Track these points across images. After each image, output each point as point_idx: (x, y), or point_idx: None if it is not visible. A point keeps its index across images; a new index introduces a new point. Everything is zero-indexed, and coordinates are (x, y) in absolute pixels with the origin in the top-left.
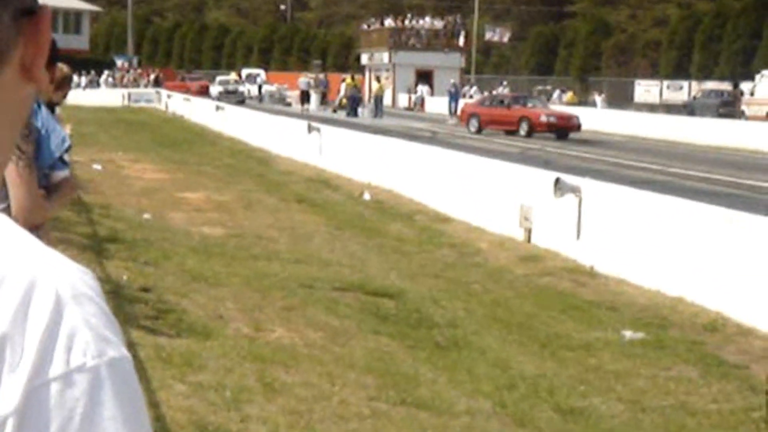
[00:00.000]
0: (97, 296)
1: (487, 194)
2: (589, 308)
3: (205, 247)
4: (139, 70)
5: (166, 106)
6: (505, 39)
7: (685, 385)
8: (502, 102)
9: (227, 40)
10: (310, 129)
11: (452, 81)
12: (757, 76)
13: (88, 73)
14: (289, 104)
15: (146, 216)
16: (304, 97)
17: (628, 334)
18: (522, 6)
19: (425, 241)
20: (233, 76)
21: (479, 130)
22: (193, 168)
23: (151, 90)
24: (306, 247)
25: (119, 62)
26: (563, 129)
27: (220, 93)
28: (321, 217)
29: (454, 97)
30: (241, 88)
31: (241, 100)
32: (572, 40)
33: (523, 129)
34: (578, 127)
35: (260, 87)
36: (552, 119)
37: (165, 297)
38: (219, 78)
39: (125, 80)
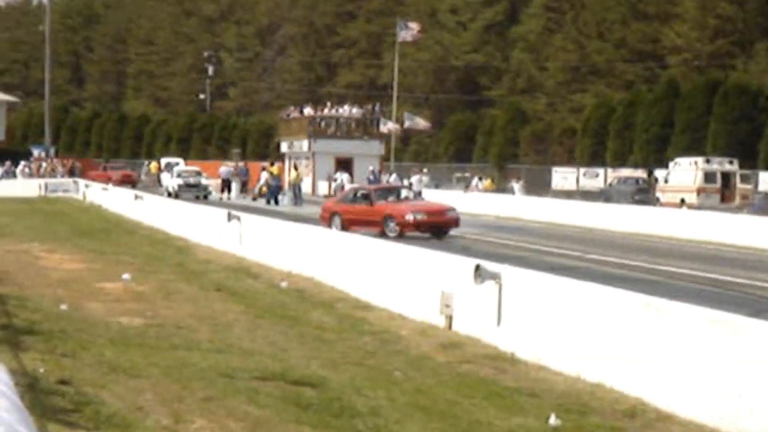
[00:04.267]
0: (9, 390)
1: (407, 281)
2: (511, 395)
3: (124, 337)
4: (56, 160)
5: (84, 196)
6: (422, 127)
7: None
8: (366, 197)
9: (147, 129)
10: (229, 217)
11: (371, 168)
12: (671, 164)
13: (3, 164)
14: (210, 193)
15: (63, 307)
16: (225, 186)
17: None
18: (440, 94)
19: (346, 329)
20: (191, 167)
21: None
22: (111, 258)
23: (68, 180)
24: (226, 337)
25: (36, 152)
26: (437, 226)
27: (180, 186)
28: (241, 306)
29: (374, 183)
30: (204, 181)
31: (205, 195)
32: (490, 127)
33: (392, 230)
34: (456, 222)
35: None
36: (420, 216)
37: (83, 389)
38: (178, 168)
39: (42, 170)
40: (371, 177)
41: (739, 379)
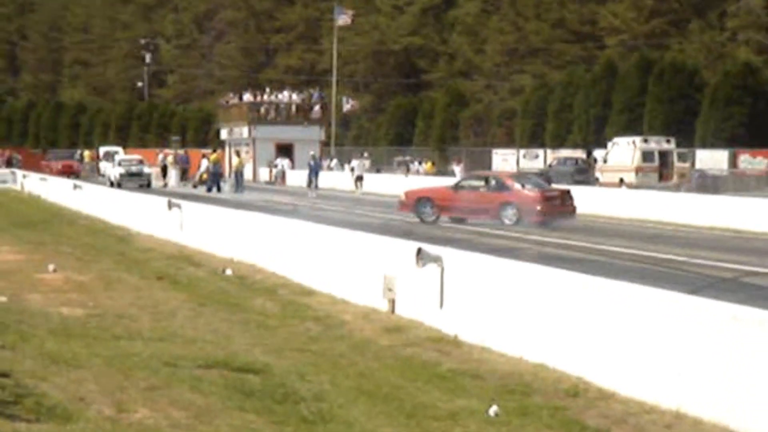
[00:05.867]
0: None
1: (350, 266)
2: (454, 377)
3: (65, 328)
4: None
5: (22, 186)
6: (353, 107)
7: None
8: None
9: (84, 118)
10: (170, 205)
11: (311, 153)
12: (609, 144)
13: None
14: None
15: (2, 299)
16: (164, 173)
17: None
18: (380, 78)
19: (289, 315)
20: (133, 155)
21: None
22: (51, 248)
23: (5, 170)
24: (169, 325)
25: None
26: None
27: (122, 175)
28: (183, 294)
29: (314, 169)
30: (146, 170)
31: (147, 184)
32: (430, 111)
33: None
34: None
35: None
36: None
37: (23, 381)
38: (119, 157)
39: None
40: (311, 162)
41: (679, 356)
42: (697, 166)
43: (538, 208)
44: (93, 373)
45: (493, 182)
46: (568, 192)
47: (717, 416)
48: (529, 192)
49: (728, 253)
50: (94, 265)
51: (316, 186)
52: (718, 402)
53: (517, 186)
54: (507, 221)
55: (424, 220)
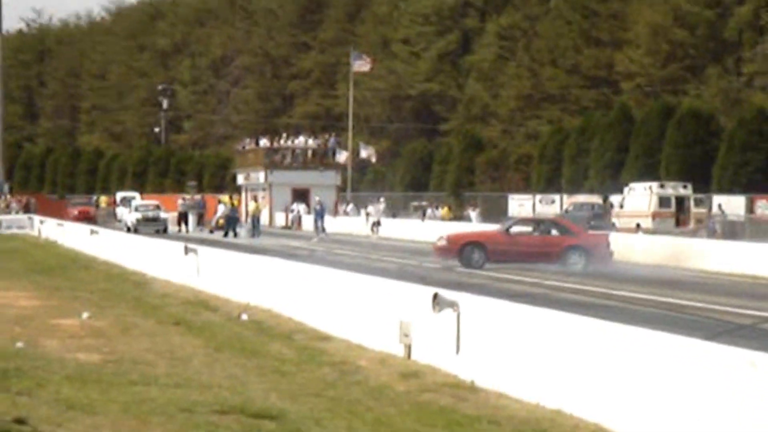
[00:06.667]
0: None
1: (366, 311)
2: (471, 423)
3: (81, 374)
4: (9, 197)
5: (39, 232)
6: (373, 159)
7: None
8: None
9: (101, 163)
10: (186, 251)
11: (317, 198)
12: (626, 189)
13: None
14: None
15: (19, 345)
16: (182, 219)
17: None
18: (396, 123)
19: (305, 361)
20: (150, 200)
21: None
22: (68, 294)
23: (23, 216)
24: (185, 371)
25: None
26: None
27: (138, 221)
28: (199, 340)
29: (320, 214)
30: (163, 215)
31: (164, 229)
32: (446, 156)
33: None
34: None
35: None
36: None
37: (40, 428)
38: (136, 202)
39: None
40: (317, 207)
41: (696, 402)
42: (715, 211)
43: (610, 251)
44: (109, 420)
45: (554, 226)
46: (607, 236)
47: None
48: (598, 235)
49: (746, 299)
50: (110, 311)
51: (323, 229)
52: None
53: (584, 229)
54: (575, 266)
55: (472, 266)
